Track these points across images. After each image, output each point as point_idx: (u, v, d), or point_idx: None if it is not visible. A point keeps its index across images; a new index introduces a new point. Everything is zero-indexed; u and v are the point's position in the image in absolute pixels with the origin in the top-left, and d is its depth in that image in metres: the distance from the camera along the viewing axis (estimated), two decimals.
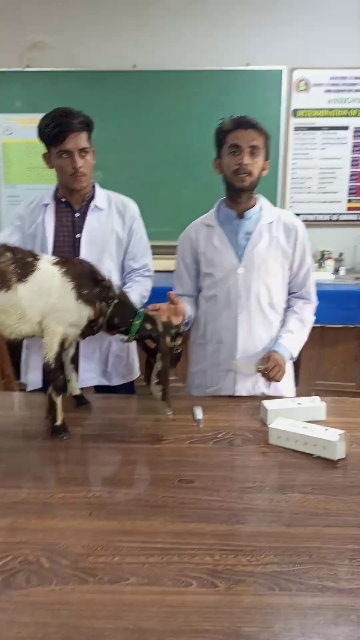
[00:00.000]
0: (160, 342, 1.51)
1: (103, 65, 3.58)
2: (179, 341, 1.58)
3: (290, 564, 0.94)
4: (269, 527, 1.05)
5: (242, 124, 1.66)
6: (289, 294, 1.83)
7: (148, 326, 1.53)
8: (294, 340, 1.76)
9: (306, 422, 1.46)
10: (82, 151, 1.72)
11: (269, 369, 1.69)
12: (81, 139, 1.71)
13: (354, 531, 1.04)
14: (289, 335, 1.76)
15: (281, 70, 3.60)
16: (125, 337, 1.55)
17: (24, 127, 3.61)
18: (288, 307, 1.83)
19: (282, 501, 1.14)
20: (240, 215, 1.77)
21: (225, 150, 1.70)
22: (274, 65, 3.59)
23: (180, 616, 0.83)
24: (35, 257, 1.48)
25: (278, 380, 1.73)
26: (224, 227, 1.78)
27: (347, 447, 1.34)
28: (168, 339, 1.54)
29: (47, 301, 1.44)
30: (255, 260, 1.73)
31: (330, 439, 1.33)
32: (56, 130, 1.69)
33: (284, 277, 1.79)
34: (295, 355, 1.79)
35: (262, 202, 1.80)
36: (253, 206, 1.78)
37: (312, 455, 1.34)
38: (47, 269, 1.46)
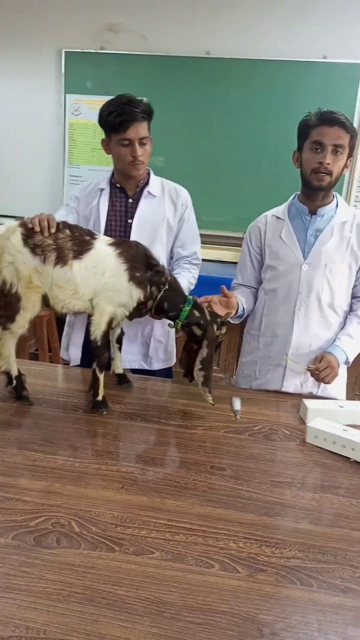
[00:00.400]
0: (208, 330, 1.53)
1: (176, 51, 3.57)
2: (223, 330, 1.59)
3: (314, 561, 0.94)
4: (296, 522, 1.05)
5: (329, 120, 1.60)
6: (354, 298, 1.78)
7: (196, 313, 1.54)
8: (351, 344, 1.72)
9: (347, 425, 1.44)
10: (142, 140, 1.74)
11: (320, 369, 1.67)
12: (142, 128, 1.73)
13: None
14: (347, 339, 1.72)
15: (359, 63, 3.48)
16: (172, 323, 1.57)
17: (92, 108, 3.66)
18: (351, 310, 1.78)
19: (312, 500, 1.14)
20: (313, 212, 1.74)
21: (308, 146, 1.65)
22: (351, 59, 3.47)
23: (200, 595, 0.85)
24: (92, 236, 1.52)
25: (328, 382, 1.70)
26: (294, 221, 1.77)
27: None
28: (214, 327, 1.55)
29: (100, 280, 1.48)
30: (322, 258, 1.70)
31: None
32: (120, 119, 1.70)
33: (350, 279, 1.74)
34: (351, 359, 1.74)
35: (338, 200, 1.76)
36: (329, 204, 1.74)
37: (349, 459, 1.32)
38: (103, 249, 1.50)
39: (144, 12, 3.58)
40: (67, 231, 1.50)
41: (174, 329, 1.65)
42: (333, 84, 3.51)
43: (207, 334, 1.52)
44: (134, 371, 1.96)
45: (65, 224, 1.52)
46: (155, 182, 1.89)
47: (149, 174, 1.90)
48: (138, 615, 0.80)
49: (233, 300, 1.71)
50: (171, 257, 1.95)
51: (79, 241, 1.49)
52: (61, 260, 1.46)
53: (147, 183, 1.88)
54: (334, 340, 1.73)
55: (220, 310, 1.64)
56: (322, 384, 1.75)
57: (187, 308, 1.54)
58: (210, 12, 3.52)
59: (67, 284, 1.47)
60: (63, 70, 3.75)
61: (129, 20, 3.62)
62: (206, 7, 3.51)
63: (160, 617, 0.80)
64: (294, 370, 1.75)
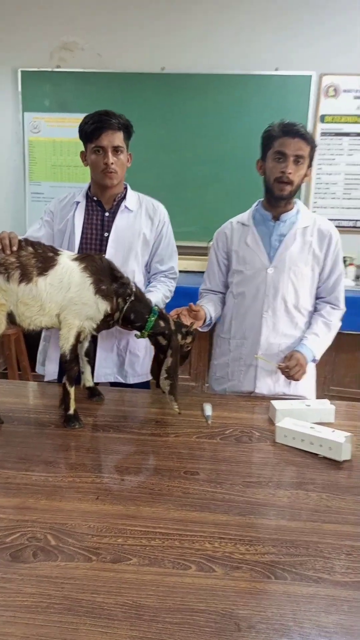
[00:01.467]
0: (172, 339, 1.56)
1: (132, 67, 3.64)
2: (188, 339, 1.63)
3: (288, 555, 0.97)
4: (269, 520, 1.08)
5: (291, 132, 1.67)
6: (318, 298, 1.86)
7: (162, 323, 1.58)
8: (318, 342, 1.79)
9: (314, 423, 1.48)
10: (116, 149, 1.78)
11: (290, 367, 1.72)
12: (116, 137, 1.77)
13: (352, 529, 1.06)
14: (313, 337, 1.79)
15: (310, 75, 3.61)
16: (139, 333, 1.60)
17: (51, 125, 3.70)
18: (316, 310, 1.86)
19: (284, 497, 1.17)
20: (276, 218, 1.81)
21: (271, 155, 1.72)
22: (303, 71, 3.61)
23: (177, 596, 0.86)
24: (55, 252, 1.54)
25: (298, 379, 1.76)
26: (258, 227, 1.83)
27: (353, 450, 1.36)
28: (179, 337, 1.58)
29: (65, 295, 1.49)
30: (286, 262, 1.77)
31: (337, 440, 1.35)
32: (93, 127, 1.75)
33: (313, 281, 1.81)
34: (318, 357, 1.81)
35: (299, 206, 1.83)
36: (290, 210, 1.81)
37: (317, 455, 1.37)
38: (67, 264, 1.51)
39: (98, 30, 3.64)
40: (30, 248, 1.51)
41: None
42: (286, 95, 3.64)
43: (171, 343, 1.56)
44: (112, 385, 1.98)
45: (28, 241, 1.53)
46: (132, 197, 1.92)
47: (126, 188, 1.92)
48: (117, 620, 0.81)
49: (201, 313, 1.76)
50: (148, 271, 1.98)
51: (43, 258, 1.50)
52: (26, 277, 1.47)
53: (124, 197, 1.90)
54: (302, 339, 1.79)
55: (188, 321, 1.68)
56: (293, 384, 1.81)
57: (153, 318, 1.57)
58: (164, 29, 3.60)
59: (33, 300, 1.48)
60: (20, 89, 3.77)
61: (84, 38, 3.67)
62: (160, 24, 3.59)
63: (140, 620, 0.81)
64: (265, 370, 1.80)
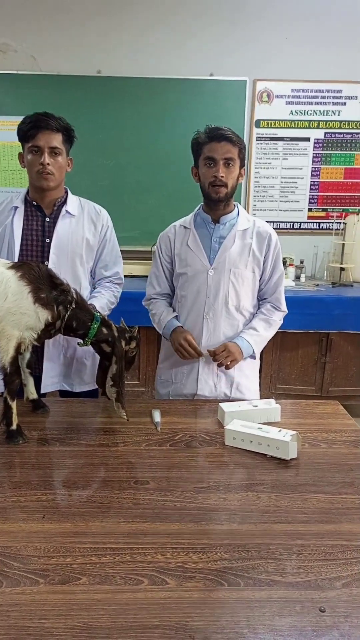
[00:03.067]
0: (116, 346, 1.53)
1: (67, 70, 3.57)
2: (132, 344, 1.61)
3: (240, 560, 0.97)
4: (221, 524, 1.08)
5: (216, 136, 1.69)
6: (261, 299, 1.88)
7: (104, 330, 1.55)
8: (255, 335, 1.81)
9: (261, 423, 1.50)
10: (53, 151, 1.73)
11: (217, 352, 1.74)
12: (54, 139, 1.72)
13: (301, 527, 1.07)
14: (251, 331, 1.81)
15: (245, 80, 3.68)
16: (82, 341, 1.56)
17: None
18: (258, 309, 1.88)
19: (234, 500, 1.17)
20: (216, 221, 1.82)
21: (201, 162, 1.75)
22: (237, 76, 3.67)
23: (130, 613, 0.84)
24: None
25: (228, 367, 1.77)
26: (199, 230, 1.84)
27: (299, 447, 1.39)
28: (122, 343, 1.56)
29: (2, 305, 1.43)
30: (226, 263, 1.78)
31: (284, 439, 1.37)
32: (30, 126, 1.71)
33: (254, 283, 1.83)
34: (257, 350, 1.84)
35: (238, 209, 1.85)
36: (230, 212, 1.82)
37: (266, 455, 1.38)
38: (3, 273, 1.45)
39: (32, 32, 3.55)
40: None
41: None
42: (221, 100, 3.68)
43: (115, 350, 1.53)
44: (60, 393, 1.93)
45: None
46: (74, 201, 1.88)
47: (66, 192, 1.87)
48: None
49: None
50: (92, 277, 1.94)
51: None
52: None
53: (64, 202, 1.85)
54: (240, 333, 1.82)
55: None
56: (235, 385, 1.83)
57: (95, 325, 1.53)
58: (99, 31, 3.56)
59: None
60: None
61: (17, 40, 3.56)
62: (95, 26, 3.55)
63: None
64: (207, 368, 1.81)
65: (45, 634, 0.80)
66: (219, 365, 1.76)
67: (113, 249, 1.95)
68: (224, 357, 1.74)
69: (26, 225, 1.82)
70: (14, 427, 1.44)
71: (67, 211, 1.84)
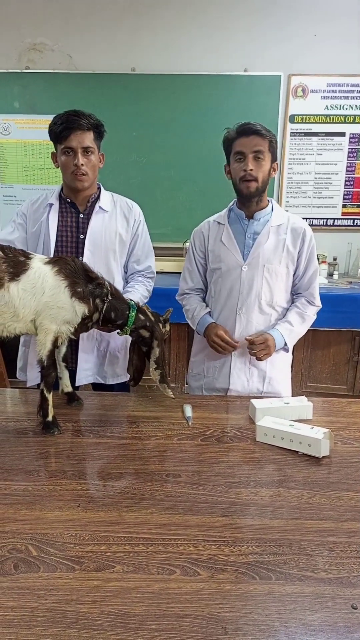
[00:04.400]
0: (156, 329, 1.60)
1: (102, 68, 3.61)
2: (167, 327, 1.67)
3: (271, 554, 0.97)
4: (252, 519, 1.08)
5: (245, 131, 1.70)
6: (295, 294, 1.88)
7: (141, 317, 1.60)
8: (290, 330, 1.81)
9: (293, 420, 1.49)
10: (86, 150, 1.75)
11: (256, 342, 1.74)
12: (86, 138, 1.74)
13: (334, 525, 1.07)
14: (286, 325, 1.81)
15: (279, 76, 3.64)
16: (121, 331, 1.60)
17: (22, 127, 3.64)
18: (292, 303, 1.88)
19: (265, 495, 1.17)
20: (250, 217, 1.82)
21: (232, 158, 1.76)
22: (271, 71, 3.63)
23: (163, 602, 0.86)
24: (27, 257, 1.51)
25: (261, 359, 1.77)
26: (233, 226, 1.84)
27: (332, 445, 1.38)
28: (160, 326, 1.60)
29: (40, 300, 1.47)
30: (260, 259, 1.78)
31: (316, 436, 1.36)
32: (62, 127, 1.73)
33: (288, 279, 1.83)
34: (290, 344, 1.84)
35: (273, 204, 1.85)
36: (264, 208, 1.82)
37: (297, 452, 1.38)
38: (40, 268, 1.49)
39: (67, 31, 3.60)
40: (0, 253, 1.48)
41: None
42: (255, 96, 3.65)
43: (155, 333, 1.59)
44: (93, 386, 1.97)
45: None
46: (106, 197, 1.90)
47: (99, 188, 1.90)
48: (103, 630, 0.80)
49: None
50: (125, 272, 1.97)
51: (14, 262, 1.47)
52: None
53: (98, 198, 1.88)
54: (274, 325, 1.82)
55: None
56: (267, 381, 1.83)
57: (133, 313, 1.58)
58: (133, 29, 3.58)
59: (6, 307, 1.45)
60: None
61: (53, 39, 3.63)
62: (129, 24, 3.57)
63: (125, 629, 0.80)
64: (238, 366, 1.82)
65: (82, 618, 0.82)
66: (253, 355, 1.77)
67: (145, 243, 1.97)
68: (260, 349, 1.74)
69: (61, 221, 1.86)
70: (50, 418, 1.48)
71: (100, 207, 1.87)
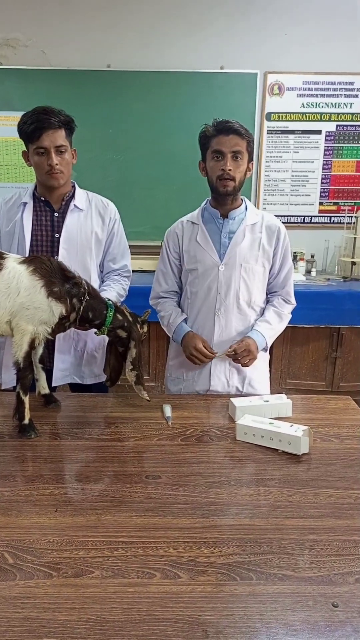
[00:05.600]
0: (133, 330, 1.57)
1: (77, 64, 3.56)
2: (145, 328, 1.65)
3: (252, 554, 0.97)
4: (232, 519, 1.08)
5: (224, 130, 1.68)
6: (269, 293, 1.88)
7: (119, 317, 1.58)
8: (269, 329, 1.80)
9: (273, 418, 1.49)
10: (59, 149, 1.72)
11: (238, 351, 1.73)
12: (58, 137, 1.71)
13: (314, 522, 1.07)
14: (265, 325, 1.80)
15: (255, 73, 3.64)
16: (98, 331, 1.58)
17: None
18: (268, 302, 1.88)
19: (246, 495, 1.17)
20: (225, 216, 1.80)
21: (209, 155, 1.73)
22: (248, 69, 3.64)
23: (142, 606, 0.84)
24: (1, 256, 1.48)
25: (246, 365, 1.76)
26: (208, 225, 1.82)
27: (311, 443, 1.38)
28: (137, 327, 1.58)
29: (15, 300, 1.44)
30: (237, 258, 1.77)
31: (295, 434, 1.36)
32: (33, 127, 1.69)
33: (264, 277, 1.83)
34: (269, 344, 1.83)
35: (246, 203, 1.84)
36: (238, 207, 1.81)
37: (277, 450, 1.38)
38: (14, 268, 1.46)
39: (41, 27, 3.54)
40: None
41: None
42: (232, 94, 3.65)
43: (132, 334, 1.58)
44: (71, 386, 1.94)
45: None
46: (81, 195, 1.88)
47: (74, 187, 1.87)
48: (81, 638, 0.78)
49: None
50: (101, 270, 1.94)
51: None
52: None
53: (72, 196, 1.85)
54: (253, 326, 1.81)
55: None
56: (247, 380, 1.82)
57: (111, 313, 1.56)
58: (109, 25, 3.54)
59: None
60: None
61: (26, 35, 3.56)
62: (105, 20, 3.53)
63: (105, 635, 0.79)
64: (219, 365, 1.80)
65: (59, 626, 0.81)
66: (236, 362, 1.76)
67: (121, 241, 1.95)
68: (244, 355, 1.73)
69: (35, 220, 1.83)
70: (27, 421, 1.45)
71: (75, 205, 1.84)
